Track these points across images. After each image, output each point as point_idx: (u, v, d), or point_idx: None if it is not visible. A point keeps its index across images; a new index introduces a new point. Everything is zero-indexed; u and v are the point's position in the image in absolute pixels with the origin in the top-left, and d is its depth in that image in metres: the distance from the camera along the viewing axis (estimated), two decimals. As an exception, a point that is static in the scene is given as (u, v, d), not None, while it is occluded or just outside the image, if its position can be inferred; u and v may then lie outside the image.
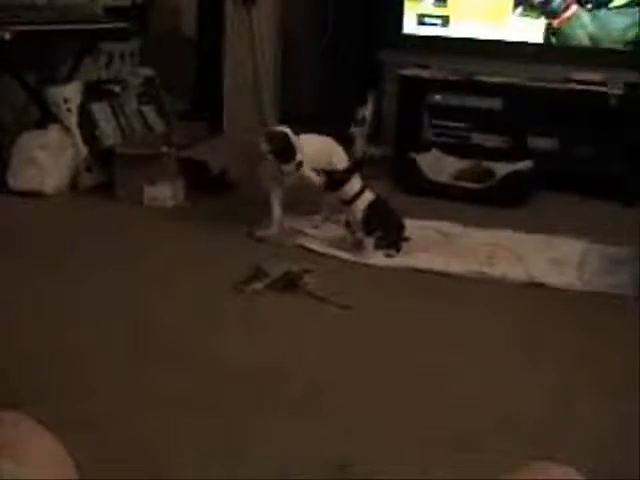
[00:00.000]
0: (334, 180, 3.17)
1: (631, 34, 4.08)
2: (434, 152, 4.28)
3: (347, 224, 3.29)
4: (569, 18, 4.18)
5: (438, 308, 2.73)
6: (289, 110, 4.89)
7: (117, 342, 2.36)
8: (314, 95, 5.02)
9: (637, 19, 4.00)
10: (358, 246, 3.22)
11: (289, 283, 2.78)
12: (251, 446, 1.81)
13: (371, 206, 3.18)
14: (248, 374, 2.18)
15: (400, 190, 4.02)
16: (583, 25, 4.16)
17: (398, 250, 3.22)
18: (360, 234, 3.19)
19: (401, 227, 3.25)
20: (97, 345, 2.34)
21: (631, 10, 4.04)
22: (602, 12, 4.09)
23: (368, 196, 3.20)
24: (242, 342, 2.39)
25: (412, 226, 3.35)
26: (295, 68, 5.07)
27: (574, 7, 4.15)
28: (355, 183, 3.18)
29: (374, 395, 2.12)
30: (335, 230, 3.39)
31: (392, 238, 3.21)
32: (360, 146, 3.88)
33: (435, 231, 3.50)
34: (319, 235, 3.39)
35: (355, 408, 2.03)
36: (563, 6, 4.16)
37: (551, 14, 4.22)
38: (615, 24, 4.08)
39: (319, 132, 3.47)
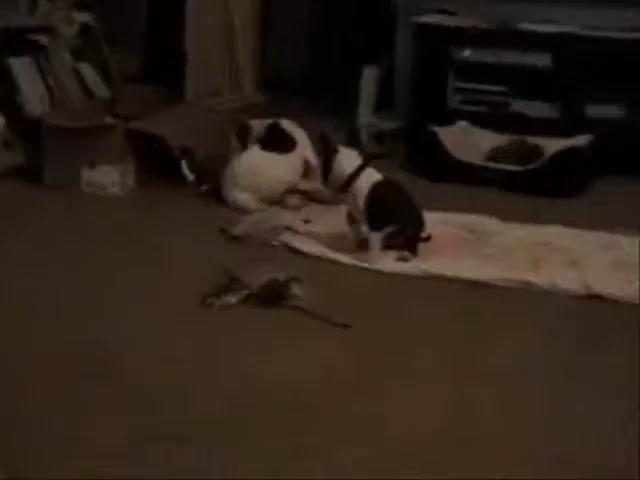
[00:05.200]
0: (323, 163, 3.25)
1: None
2: (462, 124, 4.27)
3: (349, 217, 3.28)
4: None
5: (466, 331, 2.73)
6: (271, 75, 5.10)
7: (51, 362, 2.41)
8: (302, 55, 5.24)
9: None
10: (362, 246, 3.24)
11: (272, 296, 2.81)
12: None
13: (377, 190, 3.16)
14: (218, 410, 2.21)
15: (418, 174, 4.02)
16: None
17: (414, 252, 3.22)
18: (365, 229, 3.18)
19: (419, 222, 3.23)
20: (25, 360, 2.40)
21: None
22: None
23: (371, 177, 3.18)
24: (211, 373, 2.40)
25: (433, 220, 3.34)
26: (279, 23, 5.27)
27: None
28: (345, 160, 3.19)
29: (380, 440, 2.13)
30: (332, 225, 3.42)
31: (407, 235, 3.22)
32: (365, 118, 4.05)
33: (463, 227, 3.52)
34: (312, 232, 3.42)
35: (359, 458, 2.06)
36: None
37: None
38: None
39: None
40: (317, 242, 3.35)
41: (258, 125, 4.00)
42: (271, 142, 3.87)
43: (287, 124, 3.95)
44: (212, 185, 3.90)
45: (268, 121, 3.97)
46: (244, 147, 3.92)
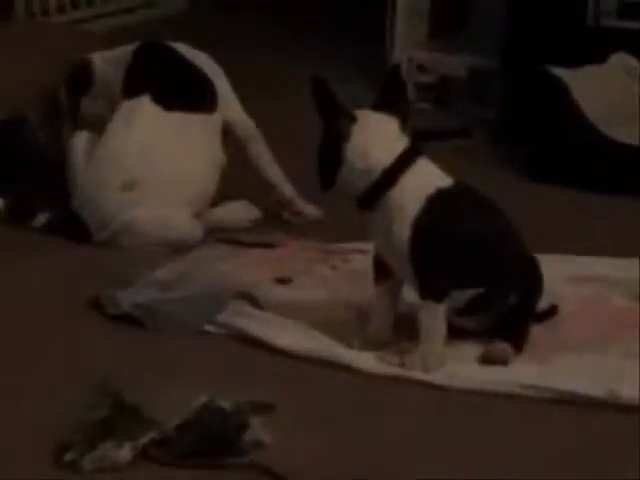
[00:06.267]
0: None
1: None
2: (619, 60, 3.62)
3: (377, 265, 2.58)
4: None
5: None
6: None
7: None
8: None
9: None
10: (403, 331, 2.67)
11: (208, 445, 2.15)
12: None
13: (438, 209, 2.54)
14: None
15: (525, 171, 3.47)
16: None
17: (519, 344, 2.54)
18: (411, 294, 2.57)
19: (529, 279, 2.60)
20: None
21: None
22: None
23: (426, 179, 2.54)
24: None
25: (559, 272, 2.80)
26: None
27: None
28: (371, 139, 2.50)
29: None
30: (335, 288, 2.84)
31: (504, 306, 2.55)
32: (406, 50, 3.67)
33: (617, 287, 2.88)
34: (293, 303, 2.80)
35: None
36: None
37: None
38: None
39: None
40: (305, 326, 2.65)
41: (109, 61, 3.10)
42: (171, 89, 2.97)
43: (185, 50, 3.09)
44: (60, 209, 3.04)
45: (132, 48, 3.06)
46: (74, 111, 3.10)
